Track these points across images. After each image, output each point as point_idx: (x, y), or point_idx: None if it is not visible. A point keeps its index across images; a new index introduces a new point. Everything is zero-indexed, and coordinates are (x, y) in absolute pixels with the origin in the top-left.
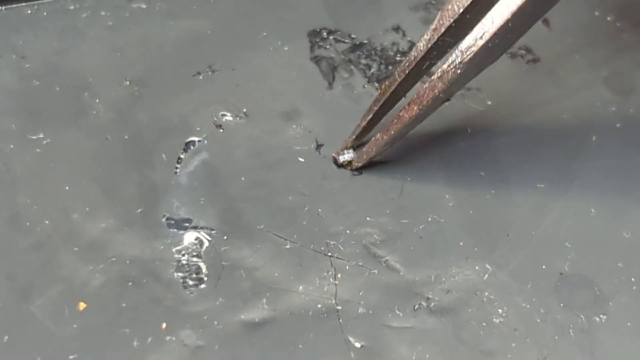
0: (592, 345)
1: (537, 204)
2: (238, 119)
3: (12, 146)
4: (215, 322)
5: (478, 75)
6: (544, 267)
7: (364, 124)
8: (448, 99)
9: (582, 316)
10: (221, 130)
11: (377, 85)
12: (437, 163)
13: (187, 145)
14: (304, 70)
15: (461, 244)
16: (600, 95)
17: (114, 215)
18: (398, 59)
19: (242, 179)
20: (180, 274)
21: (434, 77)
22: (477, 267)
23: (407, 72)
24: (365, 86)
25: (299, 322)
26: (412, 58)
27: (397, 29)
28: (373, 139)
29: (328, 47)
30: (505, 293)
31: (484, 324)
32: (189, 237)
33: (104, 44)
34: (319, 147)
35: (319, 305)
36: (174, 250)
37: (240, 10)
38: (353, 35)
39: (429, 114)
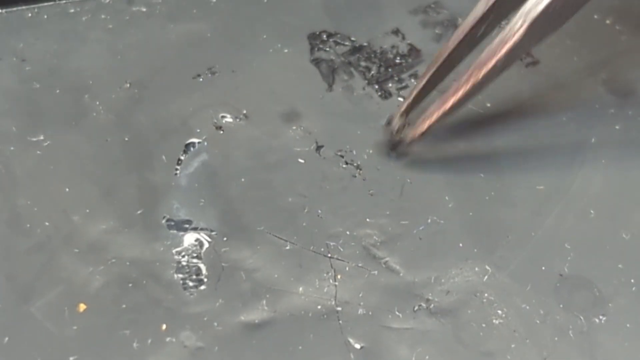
0: (591, 346)
1: (537, 206)
2: (238, 120)
3: (12, 148)
4: (215, 324)
5: (543, 40)
6: (543, 268)
7: (415, 93)
8: (509, 65)
9: (581, 317)
10: (221, 132)
11: (376, 87)
12: (436, 164)
13: (187, 146)
14: (304, 72)
15: (461, 245)
16: (599, 98)
17: (114, 216)
18: (397, 61)
19: (242, 180)
20: (180, 275)
21: (493, 44)
22: (476, 269)
23: (462, 37)
24: (365, 88)
25: (298, 323)
26: (468, 22)
27: (396, 32)
28: (430, 109)
29: (328, 49)
30: (505, 294)
31: (484, 325)
32: (189, 238)
33: (104, 46)
34: (318, 148)
35: (319, 307)
36: (174, 251)
37: (240, 13)
38: (353, 38)
39: (488, 85)
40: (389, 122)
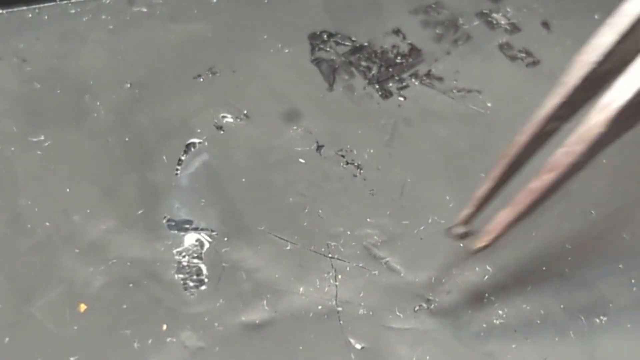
0: (592, 346)
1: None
2: (238, 120)
3: (13, 148)
4: (216, 324)
5: (621, 136)
6: (544, 268)
7: (480, 194)
8: (587, 163)
9: (582, 317)
10: (222, 132)
11: (377, 87)
12: (437, 164)
13: (188, 146)
14: (305, 72)
15: (461, 245)
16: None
17: (115, 216)
18: (398, 61)
19: (243, 180)
20: (181, 276)
21: (571, 138)
22: (477, 269)
23: (532, 133)
24: (366, 88)
25: (299, 323)
26: (539, 117)
27: (397, 31)
28: (500, 215)
29: (328, 49)
30: (506, 294)
31: (484, 325)
32: (190, 238)
33: (104, 47)
34: (319, 148)
35: (320, 307)
36: (174, 251)
37: (241, 13)
38: (353, 38)
39: (566, 183)
40: (451, 230)
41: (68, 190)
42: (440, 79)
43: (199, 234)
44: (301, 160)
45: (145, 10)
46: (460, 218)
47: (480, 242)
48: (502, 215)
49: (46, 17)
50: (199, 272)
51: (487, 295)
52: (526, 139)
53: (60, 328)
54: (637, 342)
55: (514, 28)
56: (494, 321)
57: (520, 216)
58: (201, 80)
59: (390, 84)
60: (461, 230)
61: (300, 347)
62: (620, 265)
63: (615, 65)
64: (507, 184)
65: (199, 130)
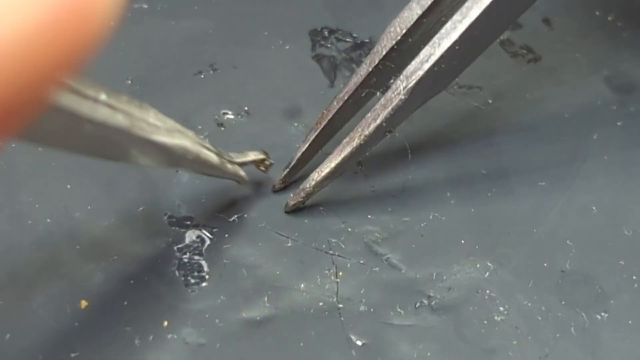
0: (593, 342)
1: (539, 202)
2: (239, 117)
3: (13, 144)
4: (217, 320)
5: (423, 104)
6: (545, 265)
7: (298, 155)
8: (391, 130)
9: (583, 314)
10: (222, 129)
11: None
12: (438, 161)
13: None
14: (306, 68)
15: (463, 241)
16: (601, 94)
17: (116, 213)
18: None
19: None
20: (182, 272)
21: (377, 105)
22: (478, 265)
23: (345, 99)
24: None
25: (300, 320)
26: (352, 84)
27: None
28: (311, 174)
29: (329, 45)
30: (507, 291)
31: (486, 322)
32: (191, 235)
33: (105, 43)
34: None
35: (321, 303)
36: (175, 248)
37: (242, 9)
38: (354, 34)
39: (372, 146)
40: (273, 188)
41: (69, 186)
42: None
43: (200, 230)
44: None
45: (146, 6)
46: (280, 178)
47: (293, 200)
48: (314, 174)
49: None
50: (199, 268)
51: (488, 291)
52: (340, 105)
53: (61, 324)
54: (638, 338)
55: (515, 24)
56: (495, 317)
57: (330, 175)
58: (202, 76)
59: (392, 81)
60: (280, 187)
61: (301, 344)
62: (622, 262)
63: (422, 37)
64: (323, 147)
65: (200, 127)
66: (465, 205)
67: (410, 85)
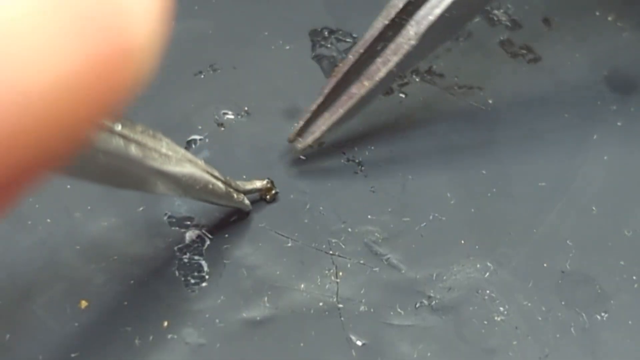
0: (593, 343)
1: (539, 202)
2: (239, 117)
3: None
4: (217, 320)
5: (434, 51)
6: (545, 265)
7: (313, 108)
8: (400, 75)
9: (583, 314)
10: (222, 129)
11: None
12: (438, 161)
13: (189, 143)
14: (306, 68)
15: (462, 242)
16: (601, 94)
17: (116, 213)
18: None
19: (244, 177)
20: (182, 272)
21: (387, 50)
22: (478, 265)
23: (361, 51)
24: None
25: (300, 320)
26: (368, 37)
27: None
28: (321, 118)
29: (329, 46)
30: (507, 291)
31: (486, 322)
32: (191, 235)
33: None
34: (320, 144)
35: (321, 304)
36: (175, 248)
37: (242, 9)
38: (354, 35)
39: (381, 91)
40: (289, 139)
41: (69, 187)
42: (441, 75)
43: (200, 230)
44: (302, 157)
45: None
46: (294, 131)
47: (303, 143)
48: (324, 118)
49: None
50: (200, 268)
51: (488, 292)
52: (356, 57)
53: (60, 325)
54: (638, 339)
55: (515, 25)
56: (495, 318)
57: (340, 119)
58: (202, 76)
59: None
60: (295, 139)
61: (301, 344)
62: (622, 262)
63: None
64: (336, 100)
65: (199, 127)
66: (466, 206)
67: (421, 30)
